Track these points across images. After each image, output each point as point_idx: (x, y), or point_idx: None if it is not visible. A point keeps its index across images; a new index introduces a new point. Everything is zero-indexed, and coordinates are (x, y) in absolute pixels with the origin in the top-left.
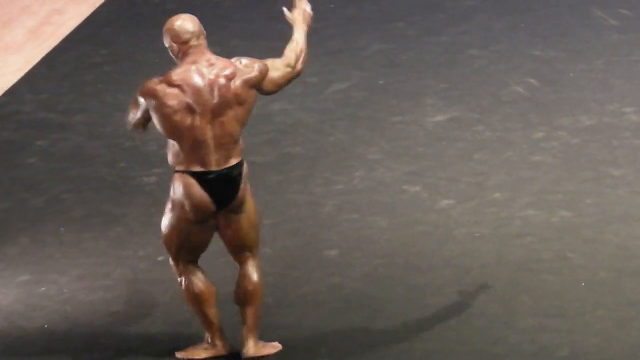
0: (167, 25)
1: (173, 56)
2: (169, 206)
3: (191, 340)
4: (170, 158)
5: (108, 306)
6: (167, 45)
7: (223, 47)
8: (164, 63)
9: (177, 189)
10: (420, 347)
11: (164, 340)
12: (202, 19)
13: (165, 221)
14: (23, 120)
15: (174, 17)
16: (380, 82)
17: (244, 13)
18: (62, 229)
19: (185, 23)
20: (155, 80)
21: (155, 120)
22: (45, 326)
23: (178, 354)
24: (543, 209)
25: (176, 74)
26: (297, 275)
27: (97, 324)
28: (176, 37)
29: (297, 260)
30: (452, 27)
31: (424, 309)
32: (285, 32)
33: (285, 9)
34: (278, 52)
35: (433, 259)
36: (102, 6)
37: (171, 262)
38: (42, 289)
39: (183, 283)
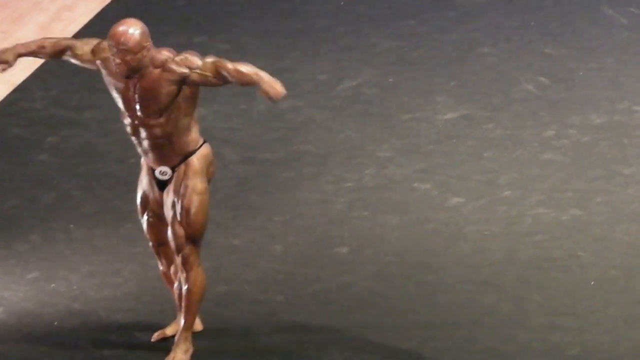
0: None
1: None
2: (204, 186)
3: (202, 337)
4: (193, 136)
5: (118, 303)
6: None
7: (233, 44)
8: None
9: (209, 157)
10: (431, 346)
11: (174, 337)
12: (212, 16)
13: (202, 204)
14: (33, 117)
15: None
16: (391, 79)
17: (255, 10)
18: (72, 225)
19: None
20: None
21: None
22: (55, 323)
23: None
24: (553, 207)
25: None
26: (307, 273)
27: (107, 320)
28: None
29: (307, 258)
30: (463, 25)
31: (434, 307)
32: (296, 29)
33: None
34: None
35: (443, 257)
36: (112, 2)
37: (193, 252)
38: (52, 285)
39: (201, 269)
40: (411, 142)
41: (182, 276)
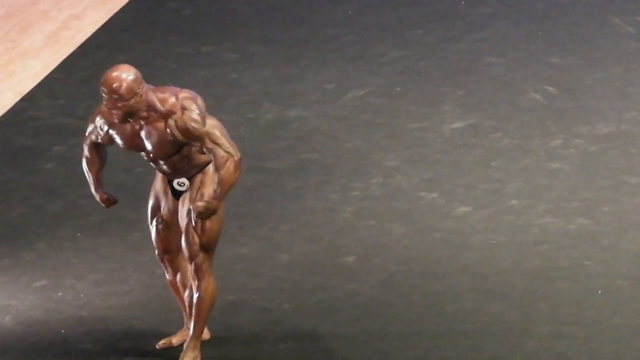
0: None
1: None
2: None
3: (209, 346)
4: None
5: (125, 311)
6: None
7: (240, 53)
8: (181, 69)
9: None
10: (437, 355)
11: (180, 346)
12: (219, 25)
13: (217, 215)
14: (41, 126)
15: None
16: (398, 88)
17: (262, 19)
18: (79, 234)
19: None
20: None
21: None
22: (62, 331)
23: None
24: (560, 217)
25: None
26: (313, 281)
27: (113, 329)
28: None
29: (314, 267)
30: (470, 35)
31: (441, 316)
32: (303, 38)
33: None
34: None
35: (450, 266)
36: (120, 12)
37: (206, 260)
38: (59, 294)
39: (213, 278)
40: (418, 151)
41: (193, 284)
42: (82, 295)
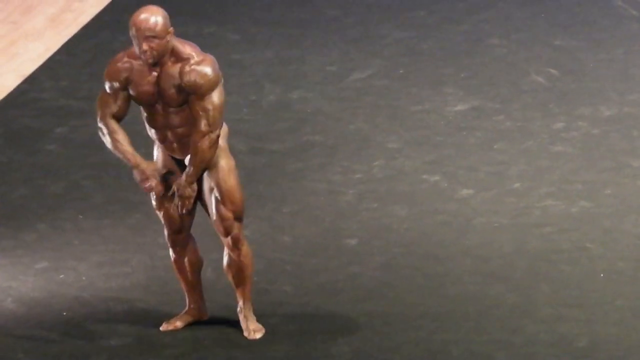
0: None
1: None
2: (233, 162)
3: (210, 327)
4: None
5: (126, 293)
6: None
7: (242, 34)
8: None
9: (228, 133)
10: (439, 337)
11: (183, 328)
12: (221, 6)
13: (237, 180)
14: (43, 107)
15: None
16: (401, 70)
17: (264, 0)
18: (81, 216)
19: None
20: None
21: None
22: (64, 313)
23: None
24: (562, 199)
25: None
26: (315, 263)
27: (115, 310)
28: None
29: (316, 249)
30: (473, 16)
31: (443, 298)
32: (305, 19)
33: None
34: (298, 39)
35: (452, 248)
36: None
37: (241, 229)
38: (61, 276)
39: (247, 242)
40: (420, 133)
41: (232, 255)
42: (83, 277)
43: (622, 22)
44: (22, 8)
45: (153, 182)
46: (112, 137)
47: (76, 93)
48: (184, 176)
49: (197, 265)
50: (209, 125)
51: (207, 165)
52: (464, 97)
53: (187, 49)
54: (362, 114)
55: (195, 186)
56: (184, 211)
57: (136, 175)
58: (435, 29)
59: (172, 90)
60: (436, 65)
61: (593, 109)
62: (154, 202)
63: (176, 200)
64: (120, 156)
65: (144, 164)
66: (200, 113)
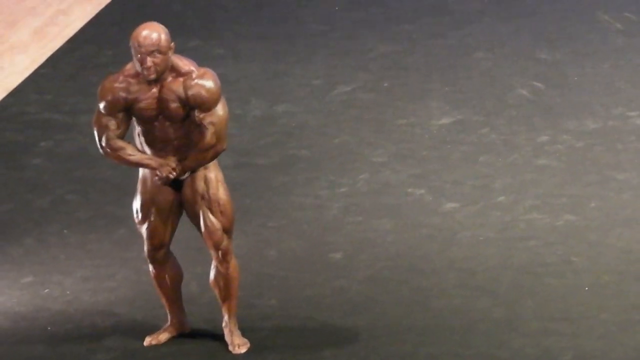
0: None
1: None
2: (222, 175)
3: (195, 340)
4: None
5: (112, 307)
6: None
7: (228, 49)
8: None
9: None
10: (424, 351)
11: (167, 342)
12: (208, 21)
13: (227, 192)
14: (28, 121)
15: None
16: (386, 84)
17: (249, 14)
18: (66, 230)
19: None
20: None
21: None
22: (49, 328)
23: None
24: (547, 213)
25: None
26: (301, 277)
27: (101, 325)
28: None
29: (302, 263)
30: (458, 30)
31: (428, 312)
32: (291, 34)
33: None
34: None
35: (437, 262)
36: (107, 7)
37: (230, 242)
38: (46, 290)
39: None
40: (406, 147)
41: (220, 267)
42: (69, 292)
43: (607, 35)
44: (7, 21)
45: (178, 168)
46: (122, 154)
47: (61, 107)
48: (179, 162)
49: (177, 280)
50: (216, 138)
51: (202, 165)
52: (449, 111)
53: (185, 63)
54: (348, 128)
55: (179, 170)
56: (162, 179)
57: (160, 172)
58: (421, 43)
59: (175, 105)
60: (421, 79)
61: (578, 123)
62: (136, 218)
63: (161, 170)
64: (138, 166)
65: (163, 160)
66: (207, 127)
